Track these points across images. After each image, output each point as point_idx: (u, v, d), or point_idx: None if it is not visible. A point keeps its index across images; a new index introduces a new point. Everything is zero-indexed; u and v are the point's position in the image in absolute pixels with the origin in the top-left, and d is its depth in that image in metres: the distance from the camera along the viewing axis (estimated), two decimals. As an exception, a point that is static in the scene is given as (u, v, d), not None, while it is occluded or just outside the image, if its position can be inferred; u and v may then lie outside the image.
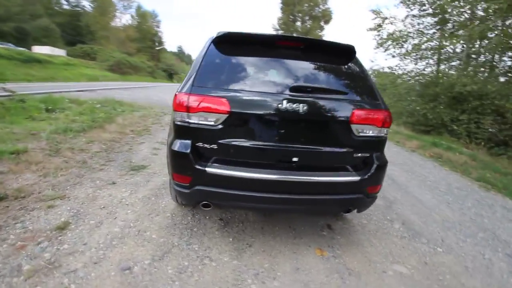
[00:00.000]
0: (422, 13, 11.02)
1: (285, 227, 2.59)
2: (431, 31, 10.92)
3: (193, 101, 1.80)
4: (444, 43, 10.01)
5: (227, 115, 1.78)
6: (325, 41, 2.11)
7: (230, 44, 2.04)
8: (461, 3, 9.74)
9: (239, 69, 1.97)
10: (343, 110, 1.87)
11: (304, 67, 2.05)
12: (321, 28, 36.46)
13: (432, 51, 11.11)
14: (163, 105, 11.19)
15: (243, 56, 2.02)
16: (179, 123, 1.87)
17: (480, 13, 9.08)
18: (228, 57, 2.01)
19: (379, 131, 1.97)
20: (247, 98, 1.81)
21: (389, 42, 11.50)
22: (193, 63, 2.16)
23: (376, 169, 1.98)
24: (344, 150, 1.93)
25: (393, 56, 11.74)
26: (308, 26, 35.88)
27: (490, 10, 8.16)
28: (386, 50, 11.77)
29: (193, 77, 1.88)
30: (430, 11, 10.78)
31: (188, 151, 1.85)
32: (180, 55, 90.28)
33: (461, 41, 9.83)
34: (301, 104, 1.78)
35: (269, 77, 1.95)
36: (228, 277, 1.88)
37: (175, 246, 2.14)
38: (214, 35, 2.15)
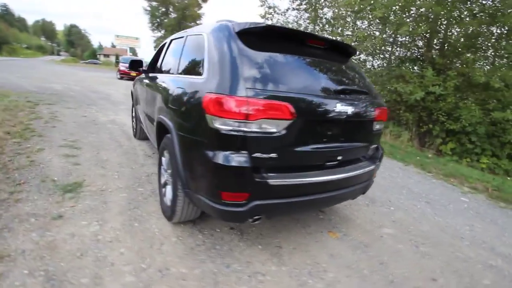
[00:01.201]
0: (298, 7, 12.04)
1: (289, 219, 2.72)
2: (310, 27, 12.19)
3: (254, 107, 1.53)
4: None
5: (291, 121, 1.66)
6: (341, 42, 2.24)
7: (258, 38, 1.82)
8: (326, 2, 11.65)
9: (281, 68, 1.77)
10: (370, 109, 2.11)
11: (331, 68, 2.12)
12: (199, 6, 35.16)
13: None
14: (16, 89, 8.13)
15: (278, 53, 1.83)
16: (231, 132, 1.56)
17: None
18: (262, 53, 1.76)
19: (382, 124, 2.36)
20: (308, 102, 1.73)
21: None
22: (205, 55, 1.90)
23: (381, 157, 2.39)
24: (367, 144, 2.22)
25: None
26: (186, 1, 33.77)
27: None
28: None
29: (233, 76, 1.58)
30: (305, 6, 12.12)
31: (248, 164, 1.60)
32: (7, 17, 65.28)
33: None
34: (349, 107, 1.89)
35: (313, 78, 1.92)
36: (291, 284, 1.86)
37: (218, 273, 1.87)
38: (233, 25, 1.88)
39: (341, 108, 1.84)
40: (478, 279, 2.18)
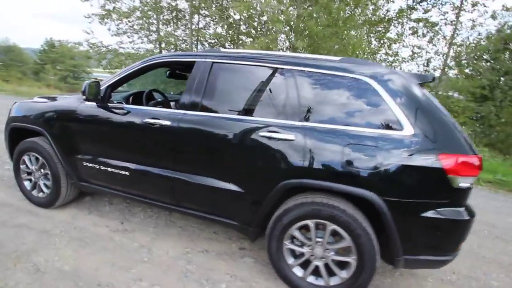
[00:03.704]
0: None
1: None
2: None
3: (477, 162, 1.58)
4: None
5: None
6: None
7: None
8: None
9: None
10: None
11: None
12: None
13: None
14: None
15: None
16: (466, 188, 1.60)
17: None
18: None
19: None
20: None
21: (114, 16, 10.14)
22: (391, 105, 1.63)
23: None
24: None
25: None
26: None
27: None
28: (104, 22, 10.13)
29: (457, 131, 1.61)
30: None
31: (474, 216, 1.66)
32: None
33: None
34: None
35: None
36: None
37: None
38: (373, 71, 1.72)
39: None
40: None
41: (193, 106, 1.98)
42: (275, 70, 1.87)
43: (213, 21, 10.98)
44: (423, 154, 1.54)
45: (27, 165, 2.60)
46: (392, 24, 9.21)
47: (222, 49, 2.12)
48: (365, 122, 1.67)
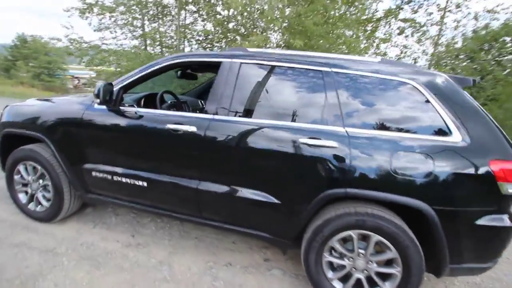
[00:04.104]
0: None
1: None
2: None
3: None
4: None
5: None
6: None
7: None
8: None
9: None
10: None
11: None
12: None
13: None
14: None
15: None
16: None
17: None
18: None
19: None
20: None
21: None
22: (440, 110, 1.57)
23: None
24: None
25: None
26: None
27: None
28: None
29: (504, 136, 1.55)
30: None
31: None
32: None
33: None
34: None
35: None
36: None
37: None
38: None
39: None
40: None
41: (222, 110, 1.82)
42: (312, 72, 1.75)
43: (200, 17, 10.68)
44: (473, 160, 1.49)
45: (22, 176, 2.32)
46: (380, 24, 9.37)
47: (249, 49, 1.97)
48: (412, 128, 1.60)
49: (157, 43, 10.93)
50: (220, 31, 9.10)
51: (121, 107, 2.02)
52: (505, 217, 1.55)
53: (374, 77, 1.67)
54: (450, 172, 1.50)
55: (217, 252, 2.24)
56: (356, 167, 1.58)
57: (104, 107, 2.02)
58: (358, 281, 1.70)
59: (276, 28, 7.17)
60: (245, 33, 9.03)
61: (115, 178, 2.04)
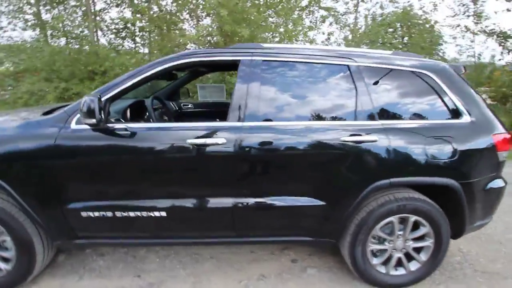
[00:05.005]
0: None
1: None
2: None
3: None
4: None
5: None
6: None
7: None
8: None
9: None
10: None
11: None
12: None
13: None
14: None
15: None
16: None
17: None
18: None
19: None
20: None
21: None
22: (451, 95, 1.76)
23: None
24: None
25: None
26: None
27: None
28: None
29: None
30: None
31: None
32: None
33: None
34: None
35: None
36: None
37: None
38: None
39: None
40: None
41: (251, 116, 1.62)
42: (339, 67, 1.71)
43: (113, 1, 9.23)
44: (482, 136, 1.75)
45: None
46: (305, 12, 9.96)
47: (265, 45, 1.78)
48: (434, 114, 1.76)
49: (59, 32, 8.98)
50: (146, 20, 8.05)
51: (110, 124, 1.57)
52: (500, 179, 1.89)
53: (397, 69, 1.75)
54: (467, 149, 1.72)
55: (242, 268, 2.06)
56: (396, 157, 1.65)
57: (85, 126, 1.54)
58: (397, 259, 1.83)
59: (214, 17, 6.77)
60: (174, 21, 8.26)
61: (118, 214, 1.60)
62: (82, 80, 7.62)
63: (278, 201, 1.68)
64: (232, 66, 3.07)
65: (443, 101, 1.76)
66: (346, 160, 1.65)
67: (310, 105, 1.72)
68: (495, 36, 8.34)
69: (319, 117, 1.70)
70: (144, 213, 1.62)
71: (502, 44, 8.30)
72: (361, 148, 1.63)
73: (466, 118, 1.76)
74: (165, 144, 1.58)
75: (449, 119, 1.76)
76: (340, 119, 1.70)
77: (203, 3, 6.67)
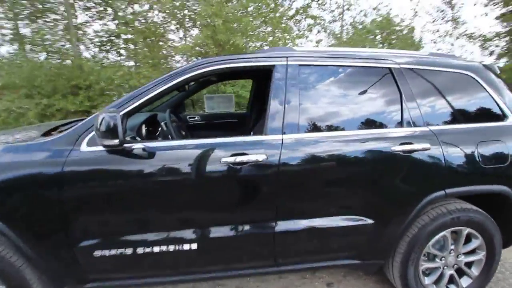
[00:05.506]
0: None
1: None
2: None
3: None
4: None
5: None
6: None
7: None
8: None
9: None
10: None
11: None
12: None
13: None
14: None
15: None
16: None
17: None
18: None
19: None
20: None
21: None
22: (495, 96, 1.65)
23: None
24: None
25: None
26: None
27: None
28: None
29: None
30: None
31: None
32: None
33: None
34: None
35: None
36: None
37: None
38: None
39: None
40: None
41: (291, 127, 1.43)
42: (381, 70, 1.57)
43: (96, 14, 8.90)
44: None
45: None
46: (292, 20, 10.04)
47: (297, 48, 1.61)
48: (480, 116, 1.63)
49: (39, 47, 8.51)
50: (132, 31, 7.77)
51: (128, 144, 1.33)
52: None
53: (437, 70, 1.63)
54: None
55: (275, 297, 1.84)
56: (450, 165, 1.50)
57: (98, 148, 1.30)
58: (449, 277, 1.67)
59: (201, 28, 6.63)
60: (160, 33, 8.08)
61: (140, 250, 1.35)
62: (65, 96, 7.22)
63: (324, 222, 1.48)
64: (246, 73, 2.91)
65: (489, 102, 1.65)
66: (397, 172, 1.49)
67: (352, 113, 1.56)
68: (476, 40, 8.69)
69: (364, 125, 1.54)
70: (171, 247, 1.37)
71: (484, 47, 8.65)
72: (413, 158, 1.48)
73: (511, 120, 1.65)
74: (195, 164, 1.36)
75: (495, 121, 1.65)
76: (386, 126, 1.54)
77: (193, 14, 6.52)
